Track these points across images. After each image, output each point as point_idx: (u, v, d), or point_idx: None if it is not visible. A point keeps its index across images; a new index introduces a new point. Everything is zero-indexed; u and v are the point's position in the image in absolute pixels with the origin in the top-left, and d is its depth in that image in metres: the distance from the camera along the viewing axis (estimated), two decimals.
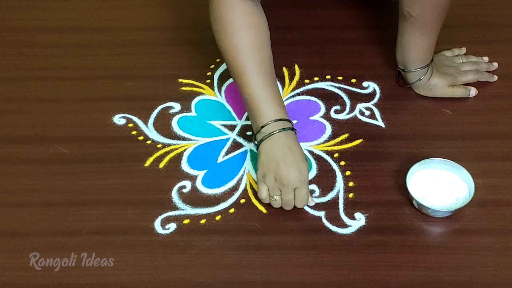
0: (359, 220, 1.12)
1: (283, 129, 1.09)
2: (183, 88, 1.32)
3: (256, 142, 1.12)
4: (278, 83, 1.31)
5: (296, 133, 1.11)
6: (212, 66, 1.35)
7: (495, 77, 1.31)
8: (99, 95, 1.31)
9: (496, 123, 1.25)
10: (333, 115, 1.27)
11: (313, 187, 1.16)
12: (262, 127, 1.10)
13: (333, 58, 1.36)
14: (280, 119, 1.10)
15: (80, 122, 1.26)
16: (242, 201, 1.15)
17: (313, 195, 1.15)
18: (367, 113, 1.27)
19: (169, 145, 1.23)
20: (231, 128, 1.26)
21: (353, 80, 1.32)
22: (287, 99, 1.29)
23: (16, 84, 1.34)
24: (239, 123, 1.26)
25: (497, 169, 1.18)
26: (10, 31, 1.44)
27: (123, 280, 1.06)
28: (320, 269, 1.07)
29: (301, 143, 1.21)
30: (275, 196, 1.10)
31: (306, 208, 1.13)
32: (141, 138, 1.24)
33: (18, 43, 1.41)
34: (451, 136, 1.22)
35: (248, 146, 1.22)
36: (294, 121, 1.25)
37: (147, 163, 1.20)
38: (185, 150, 1.22)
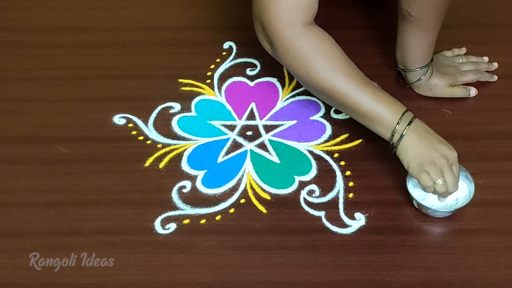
0: (359, 220, 1.12)
1: (411, 120, 1.09)
2: (183, 88, 1.32)
3: (395, 145, 1.09)
4: (278, 83, 1.32)
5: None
6: (212, 66, 1.35)
7: (495, 77, 1.31)
8: (99, 95, 1.31)
9: (496, 123, 1.25)
10: (333, 115, 1.27)
11: (313, 187, 1.16)
12: (395, 129, 1.09)
13: None
14: (403, 114, 1.09)
15: (80, 122, 1.26)
16: (242, 201, 1.15)
17: (313, 195, 1.15)
18: None
19: (169, 145, 1.23)
20: (231, 128, 1.26)
21: None
22: (287, 99, 1.29)
23: (16, 84, 1.34)
24: (239, 123, 1.26)
25: (497, 169, 1.18)
26: (10, 31, 1.44)
27: (123, 280, 1.06)
28: (320, 269, 1.07)
29: (301, 143, 1.22)
30: (438, 181, 1.08)
31: (306, 208, 1.13)
32: (141, 138, 1.24)
33: (18, 43, 1.41)
34: (451, 136, 1.22)
35: (248, 146, 1.22)
36: (294, 121, 1.25)
37: (147, 163, 1.20)
38: (185, 150, 1.22)
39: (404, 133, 1.08)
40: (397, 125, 1.09)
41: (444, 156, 1.07)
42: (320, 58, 1.11)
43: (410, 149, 1.08)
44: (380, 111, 1.09)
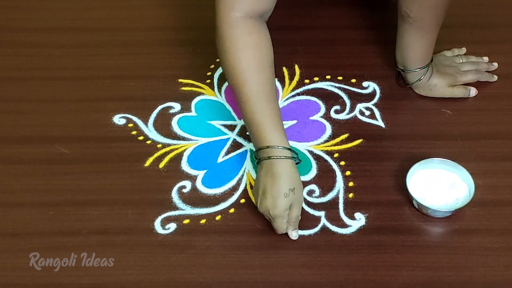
0: (359, 220, 1.12)
1: (273, 157, 1.07)
2: (183, 88, 1.32)
3: (255, 161, 1.11)
4: (278, 83, 1.32)
5: (294, 162, 1.08)
6: (212, 66, 1.35)
7: (495, 77, 1.31)
8: (99, 95, 1.31)
9: (496, 123, 1.25)
10: (333, 115, 1.27)
11: (313, 187, 1.16)
12: (259, 149, 1.08)
13: (333, 58, 1.36)
14: (271, 147, 1.07)
15: (80, 122, 1.26)
16: (242, 201, 1.15)
17: (313, 195, 1.15)
18: (367, 113, 1.27)
19: (169, 145, 1.23)
20: (231, 128, 1.26)
21: (353, 80, 1.32)
22: (287, 99, 1.29)
23: (16, 84, 1.34)
24: (239, 123, 1.26)
25: (497, 169, 1.18)
26: (10, 31, 1.44)
27: (123, 280, 1.06)
28: (320, 269, 1.07)
29: (301, 143, 1.22)
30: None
31: (306, 208, 1.13)
32: (141, 138, 1.24)
33: (18, 43, 1.41)
34: (451, 136, 1.22)
35: (248, 146, 1.22)
36: (294, 121, 1.25)
37: (147, 163, 1.20)
38: (185, 150, 1.22)
39: (260, 161, 1.09)
40: (255, 152, 1.09)
41: (259, 207, 1.08)
42: (245, 52, 1.10)
43: (257, 176, 1.10)
44: (265, 129, 1.08)
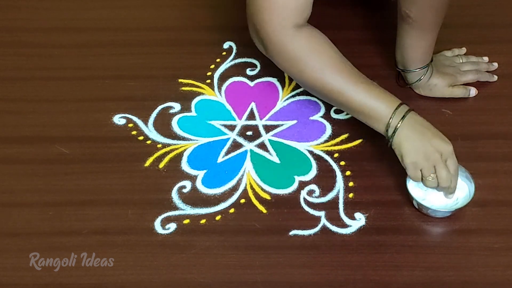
0: (359, 220, 1.12)
1: (406, 113, 1.09)
2: (183, 88, 1.32)
3: (390, 139, 1.10)
4: (278, 83, 1.32)
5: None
6: (212, 66, 1.35)
7: (495, 77, 1.31)
8: (99, 95, 1.31)
9: (496, 123, 1.25)
10: (333, 115, 1.27)
11: (313, 187, 1.16)
12: (389, 123, 1.09)
13: None
14: (397, 108, 1.09)
15: (80, 122, 1.26)
16: (242, 201, 1.15)
17: (313, 195, 1.15)
18: None
19: (169, 145, 1.23)
20: (231, 128, 1.26)
21: None
22: (287, 99, 1.29)
23: (16, 84, 1.34)
24: (239, 123, 1.26)
25: (497, 169, 1.18)
26: (10, 31, 1.44)
27: (123, 280, 1.06)
28: (320, 269, 1.07)
29: (301, 143, 1.22)
30: (429, 177, 1.08)
31: (306, 208, 1.13)
32: (141, 138, 1.24)
33: (18, 43, 1.41)
34: (451, 136, 1.22)
35: (248, 146, 1.22)
36: (294, 121, 1.25)
37: (147, 163, 1.20)
38: (185, 150, 1.22)
39: (398, 126, 1.08)
40: (391, 119, 1.09)
41: (438, 150, 1.08)
42: (312, 58, 1.12)
43: (403, 143, 1.08)
44: (375, 106, 1.10)
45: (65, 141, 1.23)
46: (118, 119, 1.27)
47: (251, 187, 1.16)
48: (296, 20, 1.11)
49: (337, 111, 1.27)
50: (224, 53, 1.37)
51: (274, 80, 1.32)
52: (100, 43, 1.41)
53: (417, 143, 1.08)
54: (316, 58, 1.12)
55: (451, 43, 1.35)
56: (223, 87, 1.32)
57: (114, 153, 1.22)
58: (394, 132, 1.09)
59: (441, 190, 1.11)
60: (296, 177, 1.18)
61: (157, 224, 1.12)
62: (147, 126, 1.25)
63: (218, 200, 1.15)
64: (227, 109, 1.29)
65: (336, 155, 1.21)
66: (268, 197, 1.15)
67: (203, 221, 1.12)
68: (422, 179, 1.09)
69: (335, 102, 1.14)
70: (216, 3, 1.47)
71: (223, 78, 1.33)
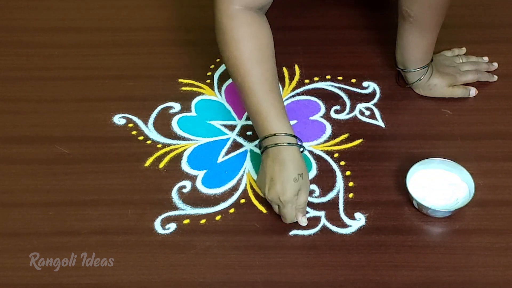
0: (359, 220, 1.12)
1: (279, 144, 1.08)
2: (183, 88, 1.32)
3: (260, 150, 1.12)
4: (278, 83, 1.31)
5: (299, 148, 1.10)
6: (212, 66, 1.35)
7: (495, 77, 1.31)
8: (99, 95, 1.31)
9: (496, 123, 1.25)
10: (333, 115, 1.27)
11: (313, 187, 1.16)
12: (263, 138, 1.10)
13: (333, 58, 1.36)
14: (277, 134, 1.09)
15: (80, 122, 1.26)
16: (242, 201, 1.15)
17: (313, 195, 1.15)
18: (367, 113, 1.27)
19: (169, 145, 1.23)
20: (231, 128, 1.26)
21: (353, 80, 1.32)
22: (287, 99, 1.29)
23: (16, 84, 1.34)
24: (239, 123, 1.26)
25: (497, 169, 1.18)
26: (10, 31, 1.44)
27: (123, 280, 1.06)
28: (320, 269, 1.07)
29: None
30: (274, 207, 1.11)
31: (306, 208, 1.13)
32: (141, 138, 1.24)
33: (18, 43, 1.41)
34: (451, 136, 1.22)
35: (248, 146, 1.22)
36: (294, 121, 1.25)
37: (147, 163, 1.20)
38: (185, 150, 1.22)
39: (263, 150, 1.10)
40: (261, 141, 1.11)
41: (268, 194, 1.09)
42: (246, 43, 1.11)
43: (262, 165, 1.11)
44: (263, 118, 1.10)
45: (65, 141, 1.23)
46: (118, 119, 1.27)
47: (251, 187, 1.16)
48: (246, 0, 1.10)
49: (337, 111, 1.27)
50: None
51: None
52: (100, 43, 1.41)
53: (265, 175, 1.09)
54: (248, 46, 1.11)
55: (451, 43, 1.36)
56: (223, 87, 1.32)
57: (114, 153, 1.22)
58: (263, 150, 1.10)
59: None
60: None
61: (157, 224, 1.12)
62: (147, 126, 1.25)
63: (218, 200, 1.15)
64: (227, 109, 1.29)
65: (336, 155, 1.21)
66: None
67: (203, 221, 1.12)
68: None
69: (238, 92, 1.13)
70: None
71: (223, 78, 1.33)
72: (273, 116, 1.10)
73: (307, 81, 1.32)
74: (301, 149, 1.11)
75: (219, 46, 1.14)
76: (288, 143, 1.08)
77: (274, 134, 1.09)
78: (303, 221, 1.10)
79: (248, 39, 1.11)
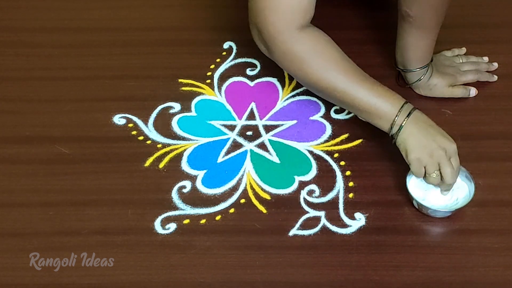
0: (359, 220, 1.12)
1: (411, 111, 1.10)
2: (183, 88, 1.32)
3: (394, 136, 1.11)
4: (278, 83, 1.32)
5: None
6: (212, 66, 1.35)
7: (495, 77, 1.31)
8: (99, 95, 1.31)
9: (496, 123, 1.25)
10: (333, 115, 1.27)
11: (313, 187, 1.16)
12: (394, 121, 1.10)
13: None
14: (402, 106, 1.10)
15: (80, 122, 1.26)
16: (242, 201, 1.15)
17: (313, 195, 1.15)
18: None
19: (169, 145, 1.23)
20: (231, 128, 1.26)
21: None
22: (287, 99, 1.29)
23: (16, 84, 1.34)
24: (239, 123, 1.26)
25: (497, 169, 1.18)
26: (10, 31, 1.44)
27: (123, 280, 1.06)
28: (320, 269, 1.07)
29: (301, 143, 1.22)
30: (433, 174, 1.09)
31: (306, 208, 1.13)
32: (141, 138, 1.24)
33: (18, 43, 1.41)
34: (451, 136, 1.22)
35: (248, 146, 1.22)
36: (294, 121, 1.25)
37: (147, 163, 1.20)
38: (185, 150, 1.22)
39: (403, 124, 1.09)
40: (396, 117, 1.10)
41: (442, 148, 1.08)
42: (316, 59, 1.12)
43: (409, 140, 1.09)
44: (379, 105, 1.10)
45: (65, 141, 1.23)
46: (118, 119, 1.27)
47: (251, 187, 1.16)
48: (300, 21, 1.11)
49: (337, 111, 1.27)
50: (224, 53, 1.37)
51: (274, 80, 1.32)
52: (100, 43, 1.41)
53: (422, 140, 1.08)
54: (320, 58, 1.12)
55: (451, 43, 1.35)
56: (223, 87, 1.32)
57: (114, 153, 1.22)
58: (399, 129, 1.09)
59: (440, 187, 1.11)
60: (296, 177, 1.18)
61: (157, 224, 1.12)
62: (147, 126, 1.25)
63: (218, 200, 1.15)
64: (227, 109, 1.29)
65: (336, 155, 1.21)
66: (268, 197, 1.15)
67: (203, 221, 1.12)
68: (425, 175, 1.09)
69: (340, 101, 1.14)
70: (216, 3, 1.47)
71: (223, 78, 1.33)
72: (389, 93, 1.11)
73: None
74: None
75: (294, 72, 1.15)
76: (413, 108, 1.11)
77: (406, 102, 1.11)
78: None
79: (326, 52, 1.13)
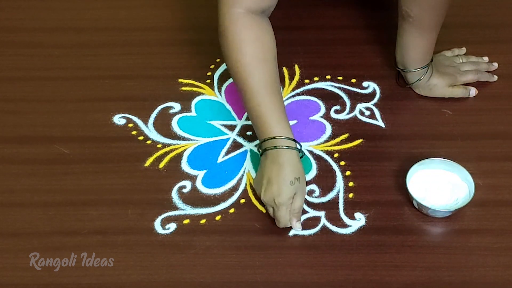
0: (359, 220, 1.12)
1: (278, 147, 1.08)
2: (183, 88, 1.32)
3: (259, 152, 1.12)
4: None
5: (298, 152, 1.10)
6: (212, 66, 1.35)
7: (495, 77, 1.31)
8: (99, 95, 1.31)
9: (496, 123, 1.25)
10: (333, 115, 1.27)
11: (313, 187, 1.16)
12: (264, 140, 1.10)
13: (333, 58, 1.36)
14: (277, 137, 1.09)
15: (80, 122, 1.26)
16: (242, 201, 1.15)
17: (313, 195, 1.15)
18: (367, 113, 1.27)
19: (169, 145, 1.23)
20: (231, 128, 1.26)
21: (353, 80, 1.32)
22: (287, 99, 1.29)
23: (16, 84, 1.34)
24: (239, 123, 1.26)
25: (497, 169, 1.18)
26: (10, 31, 1.44)
27: (123, 280, 1.06)
28: (320, 269, 1.07)
29: (301, 143, 1.21)
30: (269, 208, 1.10)
31: (306, 208, 1.13)
32: (141, 138, 1.24)
33: (18, 43, 1.41)
34: (451, 136, 1.22)
35: (248, 146, 1.22)
36: (294, 121, 1.25)
37: (147, 163, 1.20)
38: (185, 150, 1.22)
39: (261, 152, 1.11)
40: (260, 143, 1.11)
41: (263, 196, 1.09)
42: (247, 46, 1.11)
43: (260, 167, 1.11)
44: (264, 121, 1.10)
45: (65, 141, 1.23)
46: (118, 119, 1.27)
47: (251, 187, 1.16)
48: (248, 3, 1.11)
49: (337, 111, 1.27)
50: None
51: None
52: (100, 43, 1.41)
53: (262, 177, 1.09)
54: (250, 49, 1.11)
55: (451, 43, 1.36)
56: (223, 87, 1.32)
57: (114, 153, 1.22)
58: (262, 152, 1.11)
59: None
60: None
61: (157, 224, 1.12)
62: (147, 126, 1.25)
63: (218, 200, 1.15)
64: (227, 109, 1.29)
65: (336, 155, 1.21)
66: None
67: (203, 221, 1.12)
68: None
69: (240, 95, 1.13)
70: (216, 3, 1.47)
71: (223, 78, 1.33)
72: (273, 119, 1.10)
73: (307, 81, 1.32)
74: (300, 154, 1.11)
75: (222, 49, 1.14)
76: (288, 146, 1.08)
77: (274, 137, 1.09)
78: (297, 226, 1.09)
79: (250, 42, 1.11)
